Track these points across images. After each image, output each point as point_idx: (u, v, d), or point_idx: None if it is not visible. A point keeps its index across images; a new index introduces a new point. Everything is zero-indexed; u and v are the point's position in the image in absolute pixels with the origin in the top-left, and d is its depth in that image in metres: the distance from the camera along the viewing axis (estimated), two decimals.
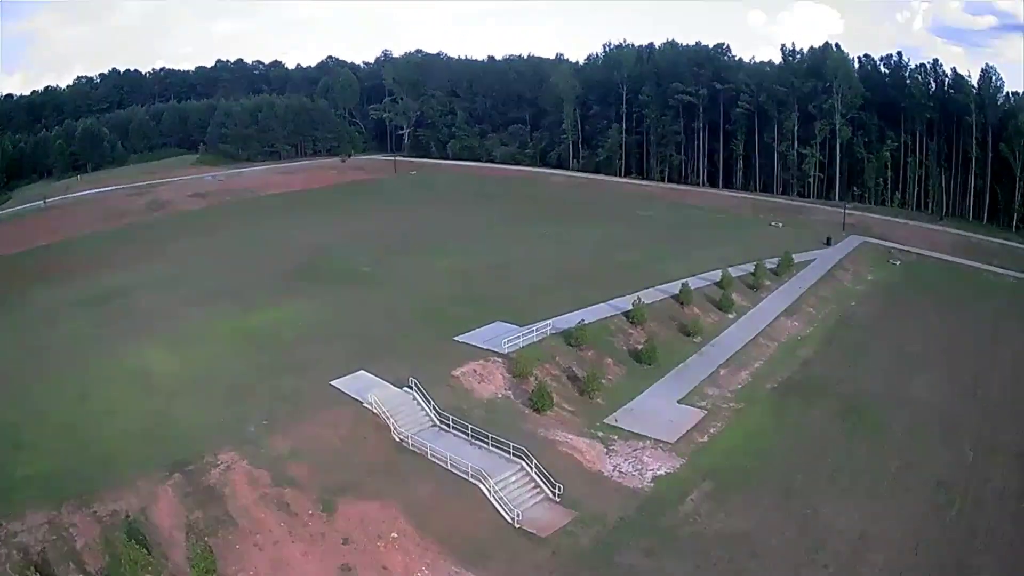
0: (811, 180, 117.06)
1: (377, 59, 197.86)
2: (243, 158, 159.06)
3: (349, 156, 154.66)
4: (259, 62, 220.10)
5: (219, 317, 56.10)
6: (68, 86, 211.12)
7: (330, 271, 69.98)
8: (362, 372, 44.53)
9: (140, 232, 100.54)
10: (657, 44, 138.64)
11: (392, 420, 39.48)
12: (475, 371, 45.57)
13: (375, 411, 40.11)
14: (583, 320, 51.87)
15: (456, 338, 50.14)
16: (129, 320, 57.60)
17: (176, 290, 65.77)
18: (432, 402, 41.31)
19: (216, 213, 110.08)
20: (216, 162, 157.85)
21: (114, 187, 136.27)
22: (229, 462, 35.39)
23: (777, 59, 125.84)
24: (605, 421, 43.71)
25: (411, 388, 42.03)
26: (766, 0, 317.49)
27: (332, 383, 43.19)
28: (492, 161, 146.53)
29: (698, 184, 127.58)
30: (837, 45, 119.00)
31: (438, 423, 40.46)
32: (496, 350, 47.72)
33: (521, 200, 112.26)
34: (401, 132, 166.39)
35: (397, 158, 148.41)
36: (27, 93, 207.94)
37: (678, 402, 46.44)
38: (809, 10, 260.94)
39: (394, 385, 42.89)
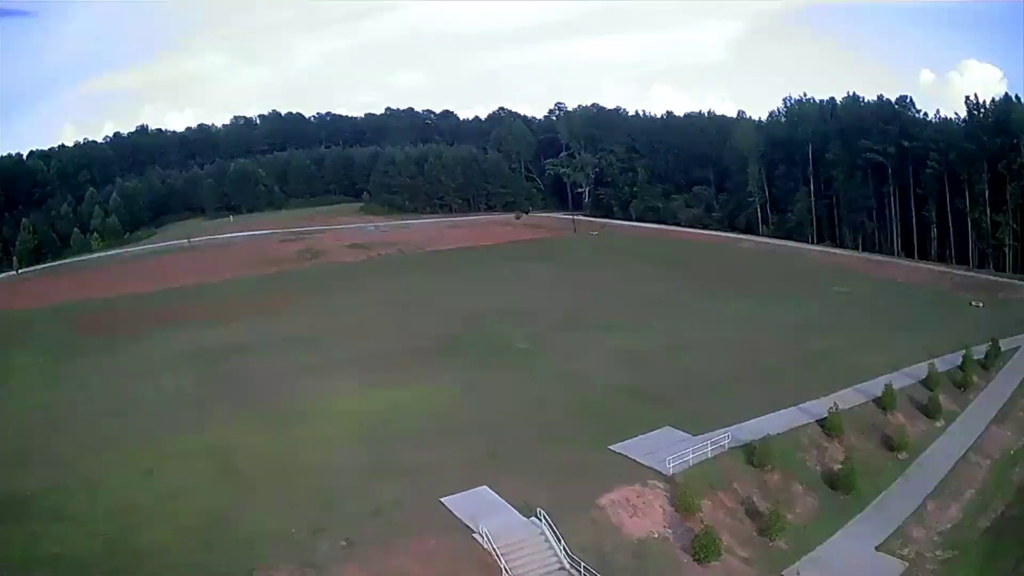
0: (1007, 250, 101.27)
1: (551, 111, 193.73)
2: (410, 209, 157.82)
3: (526, 212, 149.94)
4: (429, 111, 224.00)
5: (335, 392, 51.42)
6: (224, 125, 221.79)
7: (480, 345, 62.83)
8: (484, 488, 36.72)
9: (285, 282, 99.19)
10: (839, 99, 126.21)
11: (505, 562, 30.90)
12: (628, 500, 36.05)
13: (486, 547, 31.72)
14: (768, 434, 41.68)
15: (612, 447, 41.32)
16: (234, 385, 54.71)
17: (300, 354, 62.30)
18: (563, 541, 32.31)
19: (372, 267, 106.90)
20: (381, 212, 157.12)
21: (269, 231, 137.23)
22: None
23: (948, 115, 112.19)
24: (784, 574, 33.74)
25: (539, 520, 33.23)
26: (935, 59, 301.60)
27: (442, 500, 35.72)
28: (678, 224, 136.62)
29: (892, 254, 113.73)
30: (1017, 97, 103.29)
31: (568, 568, 31.41)
32: (658, 468, 38.25)
33: (707, 268, 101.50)
34: (580, 190, 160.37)
35: (577, 217, 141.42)
36: (180, 129, 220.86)
37: (876, 548, 36.11)
38: (977, 69, 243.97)
39: (520, 511, 34.43)
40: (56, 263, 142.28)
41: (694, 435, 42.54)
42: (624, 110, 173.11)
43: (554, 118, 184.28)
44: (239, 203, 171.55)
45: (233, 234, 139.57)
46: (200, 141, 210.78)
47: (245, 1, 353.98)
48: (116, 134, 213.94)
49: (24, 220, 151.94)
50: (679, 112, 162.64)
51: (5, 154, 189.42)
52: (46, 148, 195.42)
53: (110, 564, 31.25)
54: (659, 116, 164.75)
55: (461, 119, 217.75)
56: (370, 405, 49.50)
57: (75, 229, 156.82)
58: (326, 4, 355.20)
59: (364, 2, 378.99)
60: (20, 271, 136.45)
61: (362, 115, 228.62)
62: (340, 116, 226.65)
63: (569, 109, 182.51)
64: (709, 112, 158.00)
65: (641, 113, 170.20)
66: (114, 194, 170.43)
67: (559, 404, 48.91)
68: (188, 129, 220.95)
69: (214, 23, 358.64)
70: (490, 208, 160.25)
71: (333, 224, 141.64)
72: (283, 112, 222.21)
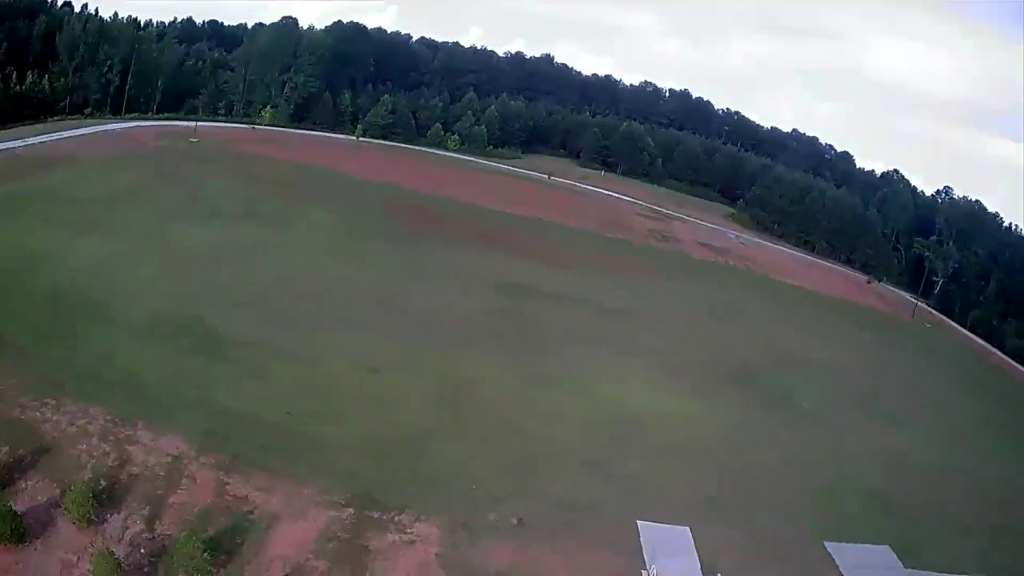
0: None
1: (938, 192, 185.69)
2: (776, 233, 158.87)
3: (879, 281, 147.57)
4: (830, 146, 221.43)
5: (613, 380, 55.52)
6: (632, 85, 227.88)
7: (761, 386, 65.56)
8: (685, 529, 39.90)
9: (624, 252, 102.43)
10: None
11: None
12: None
13: None
14: None
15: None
16: (525, 329, 60.19)
17: (604, 331, 66.25)
18: None
19: (714, 274, 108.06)
20: (747, 224, 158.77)
21: (632, 199, 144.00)
22: None
23: None
24: None
25: None
26: None
27: (638, 522, 41.19)
28: (1002, 348, 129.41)
29: None
30: None
31: None
32: None
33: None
34: (936, 279, 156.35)
35: (920, 304, 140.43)
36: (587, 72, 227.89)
37: None
38: None
39: (702, 566, 37.80)
40: (401, 144, 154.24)
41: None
42: (1000, 218, 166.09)
43: (939, 200, 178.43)
44: (617, 162, 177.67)
45: (596, 188, 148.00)
46: (602, 90, 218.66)
47: None
48: (517, 53, 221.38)
49: (385, 96, 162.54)
50: None
51: (394, 31, 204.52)
52: (440, 40, 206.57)
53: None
54: None
55: (856, 165, 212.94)
56: (630, 400, 52.60)
57: (437, 124, 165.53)
58: (773, 7, 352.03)
59: (810, 21, 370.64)
60: (360, 138, 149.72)
61: (768, 126, 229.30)
62: (747, 119, 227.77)
63: (954, 196, 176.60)
64: None
65: (1013, 227, 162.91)
66: (492, 107, 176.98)
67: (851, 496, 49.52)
68: (593, 75, 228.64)
69: None
70: (849, 262, 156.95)
71: (698, 218, 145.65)
72: (694, 95, 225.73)
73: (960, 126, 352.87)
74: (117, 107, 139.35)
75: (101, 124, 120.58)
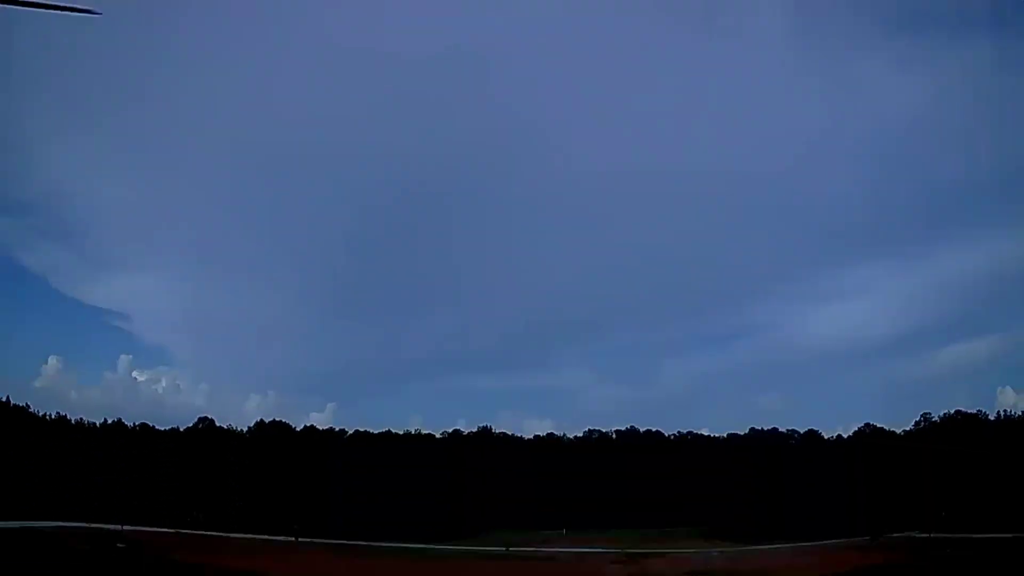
0: None
1: (916, 423, 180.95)
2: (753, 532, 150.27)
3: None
4: (793, 431, 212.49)
5: None
6: (576, 437, 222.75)
7: None
8: None
9: None
10: None
11: None
12: None
13: None
14: None
15: None
16: None
17: None
18: None
19: None
20: (727, 533, 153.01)
21: (600, 548, 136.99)
22: None
23: None
24: None
25: None
26: None
27: None
28: None
29: None
30: None
31: None
32: None
33: None
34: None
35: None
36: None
37: None
38: None
39: None
40: (344, 541, 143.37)
41: None
42: (985, 413, 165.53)
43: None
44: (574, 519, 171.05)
45: (560, 548, 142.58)
46: (548, 448, 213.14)
47: (612, 320, 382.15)
48: (455, 432, 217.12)
49: None
50: None
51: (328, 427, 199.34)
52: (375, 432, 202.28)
53: None
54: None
55: (826, 438, 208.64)
56: None
57: None
58: (695, 325, 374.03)
59: (735, 324, 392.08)
60: (298, 540, 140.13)
61: (725, 435, 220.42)
62: (701, 435, 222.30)
63: (935, 420, 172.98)
64: None
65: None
66: None
67: None
68: (535, 437, 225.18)
69: (579, 339, 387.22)
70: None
71: (673, 547, 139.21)
72: (642, 429, 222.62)
73: (912, 356, 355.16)
74: None
75: None
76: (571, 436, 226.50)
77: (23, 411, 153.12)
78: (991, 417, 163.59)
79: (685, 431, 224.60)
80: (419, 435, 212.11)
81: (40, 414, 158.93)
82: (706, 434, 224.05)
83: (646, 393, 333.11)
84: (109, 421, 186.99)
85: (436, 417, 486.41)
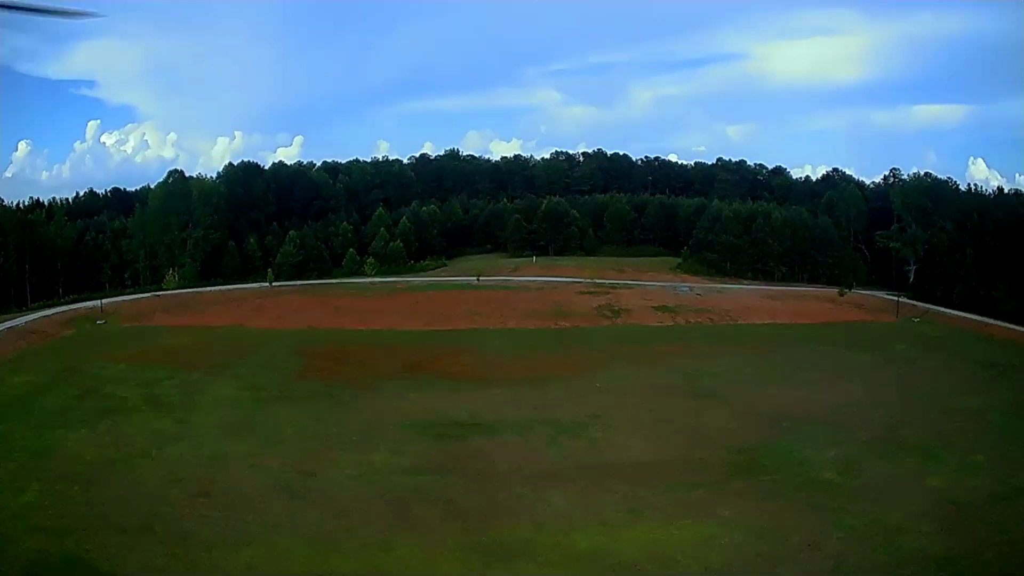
0: None
1: (885, 178, 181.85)
2: (730, 272, 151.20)
3: (849, 289, 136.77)
4: (761, 165, 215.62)
5: (579, 517, 44.34)
6: (543, 159, 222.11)
7: (778, 465, 52.59)
8: None
9: (572, 343, 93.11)
10: None
11: None
12: None
13: None
14: None
15: None
16: (454, 481, 49.62)
17: (554, 447, 56.22)
18: None
19: (676, 336, 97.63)
20: (699, 271, 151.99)
21: (570, 279, 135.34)
22: None
23: None
24: None
25: None
26: None
27: None
28: (1001, 316, 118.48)
29: None
30: None
31: None
32: None
33: None
34: (907, 268, 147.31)
35: (901, 299, 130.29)
36: (495, 158, 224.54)
37: None
38: None
39: None
40: (316, 281, 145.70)
41: None
42: (954, 182, 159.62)
43: (888, 186, 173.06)
44: (546, 243, 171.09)
45: (530, 277, 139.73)
46: (514, 173, 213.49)
47: (580, 40, 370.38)
48: (422, 155, 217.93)
49: (291, 232, 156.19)
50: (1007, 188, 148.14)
51: (296, 162, 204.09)
52: (343, 162, 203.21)
53: None
54: (989, 193, 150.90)
55: (793, 177, 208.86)
56: (620, 549, 40.39)
57: (351, 249, 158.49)
58: (664, 49, 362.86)
59: (704, 50, 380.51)
60: (273, 283, 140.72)
61: (692, 163, 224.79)
62: (669, 162, 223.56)
63: (904, 177, 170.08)
64: None
65: (974, 186, 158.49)
66: (404, 218, 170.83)
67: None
68: (503, 159, 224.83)
69: (547, 58, 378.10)
70: (813, 279, 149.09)
71: (643, 279, 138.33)
72: (609, 152, 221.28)
73: (883, 108, 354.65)
74: (21, 298, 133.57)
75: (6, 321, 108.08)
76: (538, 158, 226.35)
77: None
78: (961, 187, 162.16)
79: (652, 156, 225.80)
80: (385, 160, 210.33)
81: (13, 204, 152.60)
82: (674, 160, 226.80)
83: (613, 115, 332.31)
84: (80, 194, 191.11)
85: (403, 142, 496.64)
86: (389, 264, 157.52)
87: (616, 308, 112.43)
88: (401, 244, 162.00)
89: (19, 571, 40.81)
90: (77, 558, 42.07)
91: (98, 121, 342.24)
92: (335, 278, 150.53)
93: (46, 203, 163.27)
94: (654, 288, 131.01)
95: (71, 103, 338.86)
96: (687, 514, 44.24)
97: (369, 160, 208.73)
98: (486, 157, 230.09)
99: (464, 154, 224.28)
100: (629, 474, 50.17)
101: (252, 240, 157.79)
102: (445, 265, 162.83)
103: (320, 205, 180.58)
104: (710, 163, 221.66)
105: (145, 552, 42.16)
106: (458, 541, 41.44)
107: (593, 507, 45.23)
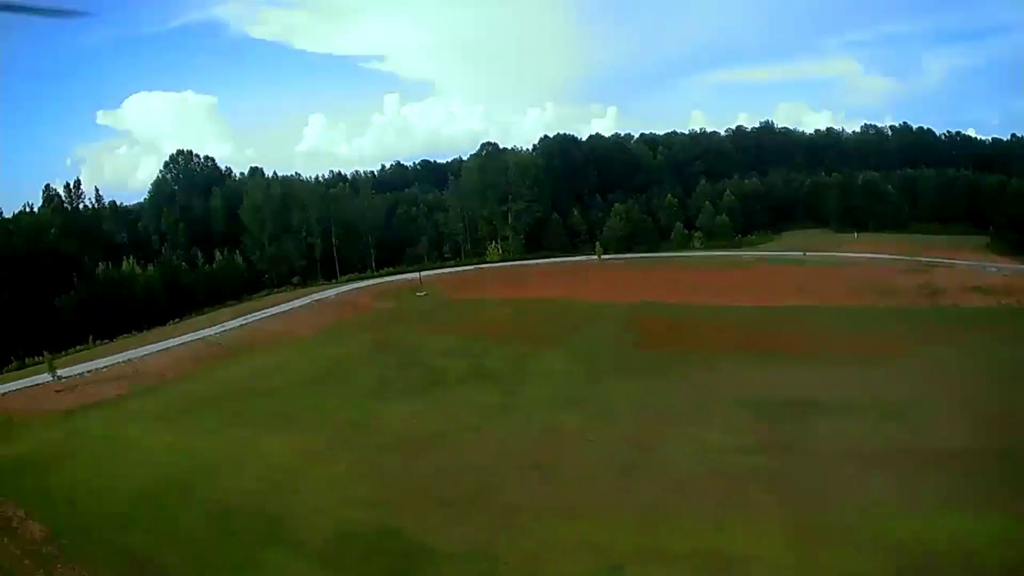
0: None
1: None
2: None
3: None
4: None
5: (902, 506, 43.88)
6: (854, 132, 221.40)
7: None
8: None
9: (894, 322, 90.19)
10: None
11: None
12: None
13: None
14: None
15: None
16: (784, 458, 49.98)
17: (883, 427, 55.39)
18: None
19: (995, 318, 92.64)
20: (1006, 251, 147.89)
21: (891, 256, 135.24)
22: None
23: None
24: None
25: None
26: None
27: None
28: None
29: None
30: None
31: None
32: None
33: None
34: None
35: None
36: (809, 131, 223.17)
37: None
38: None
39: None
40: (645, 255, 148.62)
41: None
42: None
43: None
44: (865, 219, 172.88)
45: (852, 253, 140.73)
46: (828, 147, 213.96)
47: (871, 8, 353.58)
48: (738, 128, 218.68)
49: (616, 205, 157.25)
50: None
51: (613, 134, 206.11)
52: (661, 134, 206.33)
53: None
54: None
55: None
56: (929, 538, 40.11)
57: (678, 223, 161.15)
58: (951, 18, 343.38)
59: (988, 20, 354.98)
60: (602, 257, 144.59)
61: (989, 139, 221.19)
62: (969, 137, 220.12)
63: None
64: None
65: None
66: (728, 191, 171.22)
67: None
68: (816, 132, 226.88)
69: (841, 27, 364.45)
70: None
71: (955, 258, 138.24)
72: (914, 126, 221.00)
73: None
74: (330, 271, 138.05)
75: (313, 293, 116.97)
76: (849, 131, 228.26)
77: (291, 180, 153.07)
78: None
79: (954, 131, 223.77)
80: (703, 132, 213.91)
81: (310, 178, 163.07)
82: (972, 135, 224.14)
83: (908, 86, 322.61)
84: (387, 167, 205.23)
85: (717, 114, 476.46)
86: (716, 238, 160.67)
87: (935, 287, 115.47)
88: (727, 218, 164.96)
89: (325, 541, 42.18)
90: (392, 529, 43.07)
91: (396, 94, 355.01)
92: (662, 252, 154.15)
93: (348, 176, 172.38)
94: (965, 267, 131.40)
95: (363, 78, 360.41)
96: (994, 506, 43.67)
97: (687, 132, 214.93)
98: (800, 130, 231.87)
99: (779, 127, 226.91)
100: (945, 461, 49.42)
101: (576, 212, 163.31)
102: (774, 239, 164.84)
103: (642, 178, 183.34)
104: (1005, 139, 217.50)
105: (470, 525, 43.20)
106: (788, 524, 41.81)
107: (910, 494, 45.14)
